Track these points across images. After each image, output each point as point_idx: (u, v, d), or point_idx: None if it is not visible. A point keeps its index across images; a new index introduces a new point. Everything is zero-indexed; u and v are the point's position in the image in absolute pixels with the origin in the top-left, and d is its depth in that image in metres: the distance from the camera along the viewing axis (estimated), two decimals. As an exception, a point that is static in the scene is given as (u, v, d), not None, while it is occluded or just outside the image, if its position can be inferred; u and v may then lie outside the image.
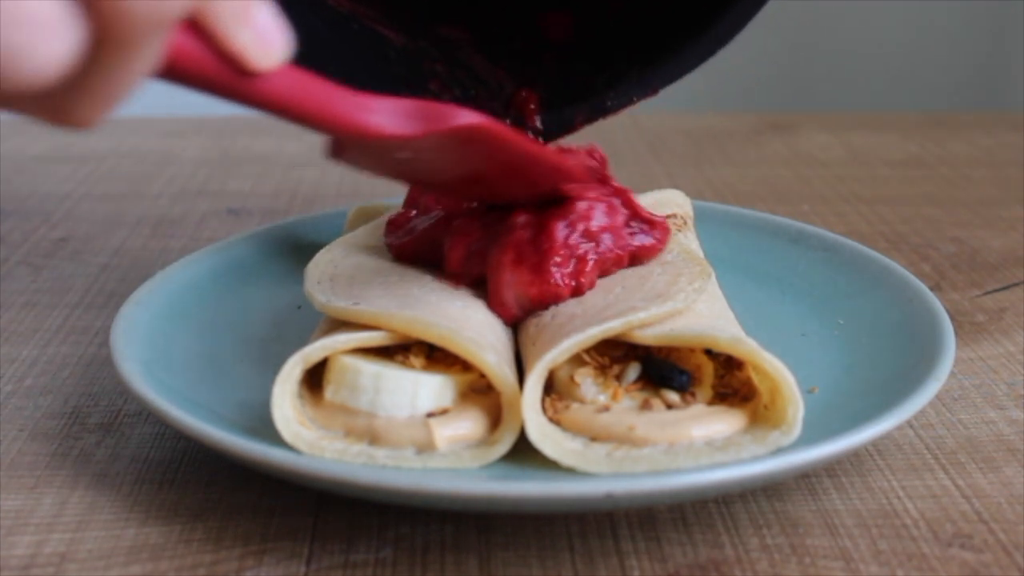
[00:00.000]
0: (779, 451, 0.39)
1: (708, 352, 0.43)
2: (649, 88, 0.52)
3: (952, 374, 0.45)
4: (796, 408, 0.40)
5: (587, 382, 0.42)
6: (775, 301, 0.55)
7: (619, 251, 0.47)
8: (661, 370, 0.42)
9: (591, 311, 0.43)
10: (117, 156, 0.90)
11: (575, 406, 0.41)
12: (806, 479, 0.43)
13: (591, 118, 0.54)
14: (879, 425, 0.39)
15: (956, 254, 0.68)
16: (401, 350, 0.43)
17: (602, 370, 0.42)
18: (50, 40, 0.27)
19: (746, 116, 1.05)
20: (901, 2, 1.26)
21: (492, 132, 0.40)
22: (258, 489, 0.42)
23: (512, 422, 0.40)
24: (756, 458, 0.39)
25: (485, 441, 0.41)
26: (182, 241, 0.71)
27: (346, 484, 0.37)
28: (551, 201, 0.47)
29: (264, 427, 0.40)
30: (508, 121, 0.54)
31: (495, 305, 0.46)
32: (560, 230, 0.46)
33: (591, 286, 0.46)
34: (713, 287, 0.49)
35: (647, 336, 0.42)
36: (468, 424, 0.41)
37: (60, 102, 0.29)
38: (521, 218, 0.46)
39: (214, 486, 0.43)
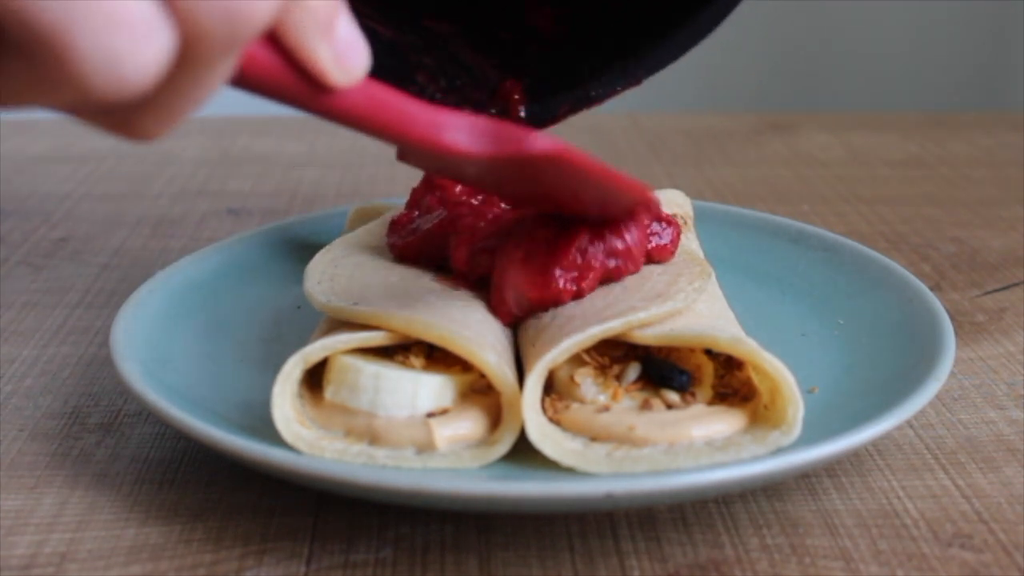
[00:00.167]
0: (779, 451, 0.39)
1: (708, 352, 0.43)
2: (633, 78, 0.53)
3: (952, 374, 0.45)
4: (796, 408, 0.40)
5: (587, 382, 0.42)
6: (775, 301, 0.55)
7: (631, 270, 0.47)
8: (661, 370, 0.42)
9: (591, 311, 0.43)
10: (117, 156, 0.90)
11: (575, 406, 0.41)
12: (806, 479, 0.43)
13: (576, 108, 0.54)
14: (879, 425, 0.39)
15: (956, 254, 0.68)
16: (401, 350, 0.43)
17: (602, 370, 0.42)
18: (147, 45, 0.25)
19: (746, 116, 1.05)
20: (901, 2, 1.26)
21: (565, 160, 0.39)
22: (258, 489, 0.42)
23: (512, 422, 0.40)
24: (756, 458, 0.39)
25: (485, 441, 0.41)
26: (182, 241, 0.71)
27: (346, 484, 0.37)
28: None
29: (264, 427, 0.40)
30: (493, 111, 0.54)
31: (495, 304, 0.46)
32: (583, 238, 0.45)
33: (591, 290, 0.46)
34: (713, 287, 0.49)
35: (647, 336, 0.42)
36: (468, 424, 0.41)
37: (129, 112, 0.28)
38: (545, 217, 0.46)
39: (214, 486, 0.43)
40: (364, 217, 0.58)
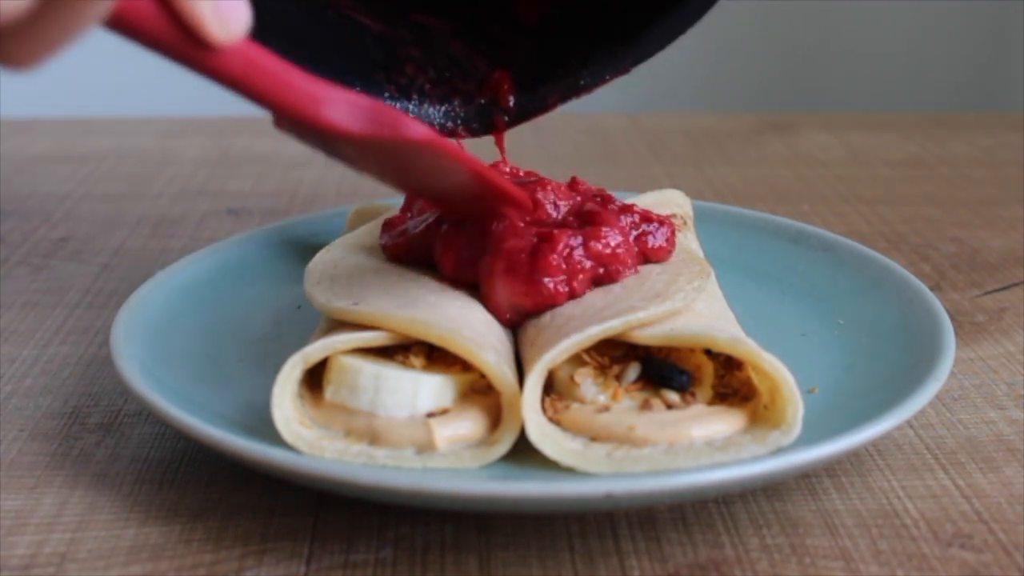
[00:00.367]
0: (779, 451, 0.39)
1: (708, 352, 0.43)
2: (622, 66, 0.53)
3: (952, 374, 0.45)
4: (796, 408, 0.40)
5: (587, 382, 0.42)
6: (775, 301, 0.55)
7: (623, 271, 0.46)
8: (661, 370, 0.42)
9: (590, 311, 0.43)
10: (117, 156, 0.90)
11: (575, 406, 0.41)
12: (806, 479, 0.43)
13: (566, 97, 0.54)
14: (879, 425, 0.39)
15: (956, 254, 0.68)
16: (401, 350, 0.43)
17: (602, 370, 0.42)
18: None
19: (746, 116, 1.05)
20: (901, 2, 1.26)
21: (438, 147, 0.40)
22: (258, 489, 0.42)
23: (512, 422, 0.40)
24: (756, 458, 0.39)
25: (485, 441, 0.41)
26: (182, 241, 0.71)
27: (346, 484, 0.37)
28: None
29: (264, 427, 0.40)
30: (482, 101, 0.54)
31: (490, 310, 0.46)
32: (561, 245, 0.45)
33: (585, 289, 0.45)
34: (713, 287, 0.49)
35: (647, 336, 0.42)
36: (468, 424, 0.41)
37: (2, 39, 0.28)
38: (512, 226, 0.46)
39: (214, 486, 0.43)
40: (364, 217, 0.58)
